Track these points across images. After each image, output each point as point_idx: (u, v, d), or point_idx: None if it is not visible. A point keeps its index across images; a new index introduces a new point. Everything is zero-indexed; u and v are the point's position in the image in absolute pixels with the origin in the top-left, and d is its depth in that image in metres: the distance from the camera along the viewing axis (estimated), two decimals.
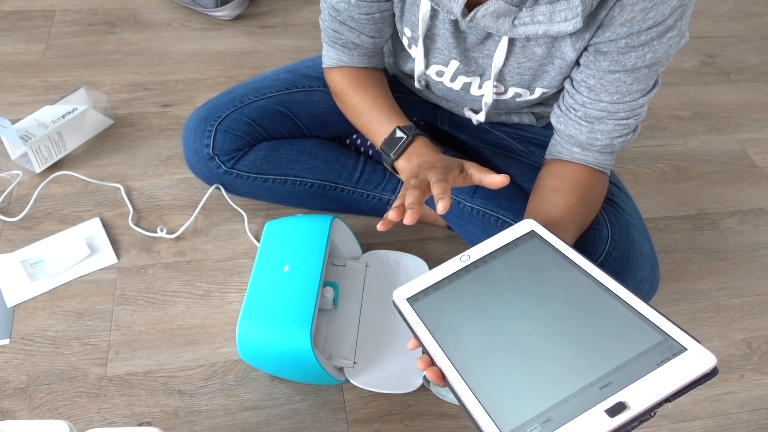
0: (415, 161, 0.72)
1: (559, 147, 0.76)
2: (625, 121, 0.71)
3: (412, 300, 0.58)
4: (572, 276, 0.55)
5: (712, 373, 0.41)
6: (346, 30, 0.77)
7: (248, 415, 0.78)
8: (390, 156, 0.75)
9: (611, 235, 0.77)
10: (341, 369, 0.80)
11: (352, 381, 0.78)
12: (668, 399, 0.41)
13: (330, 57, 0.83)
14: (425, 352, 0.52)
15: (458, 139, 0.99)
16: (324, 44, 0.83)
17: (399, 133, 0.75)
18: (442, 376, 0.49)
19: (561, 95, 0.75)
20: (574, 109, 0.72)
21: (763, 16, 1.61)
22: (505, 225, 0.85)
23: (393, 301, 0.59)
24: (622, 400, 0.41)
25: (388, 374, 0.79)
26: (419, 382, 0.79)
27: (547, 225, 0.61)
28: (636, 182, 1.13)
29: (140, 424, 0.76)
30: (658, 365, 0.43)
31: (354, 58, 0.82)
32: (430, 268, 0.91)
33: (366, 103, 0.81)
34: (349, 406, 0.79)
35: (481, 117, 0.82)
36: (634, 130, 0.73)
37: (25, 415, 0.76)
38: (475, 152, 0.97)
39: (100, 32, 1.34)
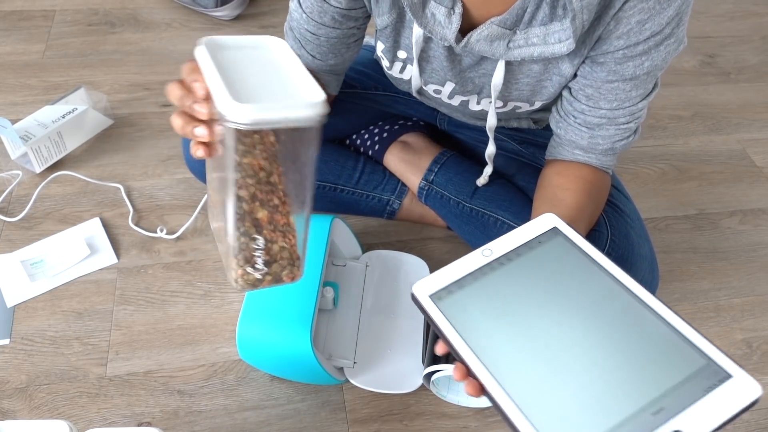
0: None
1: (560, 149, 0.76)
2: (625, 126, 0.71)
3: (435, 298, 0.54)
4: (604, 284, 0.52)
5: (755, 402, 0.40)
6: (292, 38, 0.76)
7: (248, 415, 0.78)
8: None
9: (610, 236, 0.77)
10: (341, 369, 0.80)
11: (352, 381, 0.78)
12: (719, 428, 0.39)
13: None
14: (458, 359, 0.49)
15: (458, 140, 0.99)
16: None
17: None
18: (480, 388, 0.46)
19: (558, 100, 0.74)
20: (573, 116, 0.72)
21: (763, 16, 1.61)
22: (504, 226, 0.85)
23: (414, 297, 0.55)
24: (678, 429, 0.39)
25: (388, 374, 0.79)
26: (419, 382, 0.79)
27: None
28: (636, 182, 1.13)
29: (140, 424, 0.76)
30: (706, 392, 0.41)
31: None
32: (430, 268, 0.91)
33: None
34: (349, 406, 0.80)
35: (491, 148, 0.81)
36: (634, 132, 0.73)
37: (25, 415, 0.76)
38: (475, 152, 0.97)
39: (100, 32, 1.34)
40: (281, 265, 0.57)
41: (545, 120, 0.91)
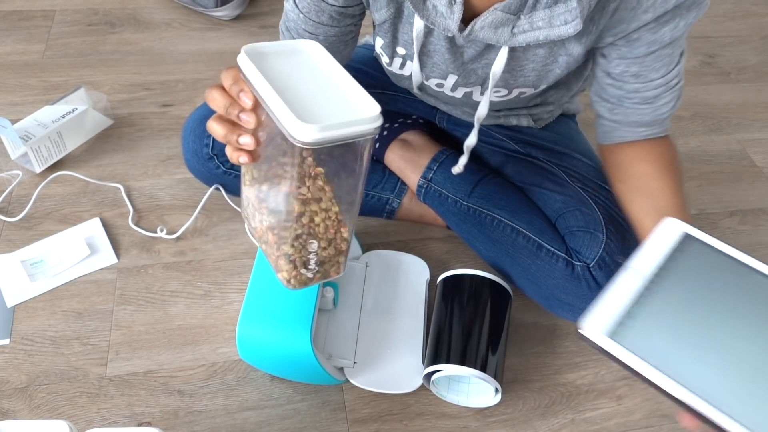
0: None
1: (620, 132, 0.75)
2: (676, 87, 0.71)
3: (614, 335, 0.50)
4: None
5: None
6: (288, 39, 0.76)
7: (248, 415, 0.78)
8: None
9: (606, 239, 0.77)
10: (341, 369, 0.80)
11: (352, 381, 0.79)
12: None
13: None
14: (680, 405, 0.45)
15: (457, 138, 0.99)
16: None
17: None
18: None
19: (597, 88, 0.74)
20: (628, 98, 0.72)
21: (763, 16, 1.61)
22: (501, 225, 0.85)
23: (587, 339, 0.51)
24: None
25: (388, 374, 0.79)
26: (419, 382, 0.79)
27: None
28: None
29: (140, 424, 0.76)
30: None
31: None
32: (430, 267, 0.91)
33: None
34: (349, 406, 0.80)
35: (472, 139, 0.81)
36: (681, 89, 0.73)
37: (25, 415, 0.76)
38: (473, 150, 0.97)
39: (100, 32, 1.34)
40: (331, 263, 0.60)
41: (544, 119, 0.91)
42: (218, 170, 0.90)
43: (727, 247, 0.53)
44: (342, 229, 0.58)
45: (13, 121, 1.00)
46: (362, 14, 0.74)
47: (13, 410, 0.76)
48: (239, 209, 0.98)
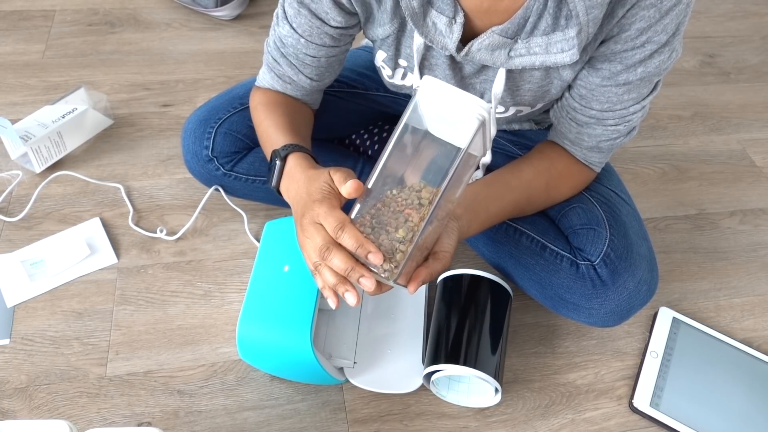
0: (294, 198, 0.67)
1: (553, 134, 0.80)
2: (613, 128, 0.72)
3: (654, 405, 0.79)
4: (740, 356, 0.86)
5: None
6: (286, 64, 0.75)
7: (248, 415, 0.78)
8: (270, 185, 0.73)
9: (609, 236, 0.77)
10: (341, 369, 0.80)
11: (352, 381, 0.78)
12: None
13: (264, 79, 0.80)
14: None
15: None
16: (263, 64, 0.80)
17: (274, 159, 0.71)
18: None
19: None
20: (566, 111, 0.74)
21: (763, 16, 1.61)
22: (503, 225, 0.85)
23: (638, 411, 0.79)
24: None
25: (388, 374, 0.79)
26: (419, 382, 0.79)
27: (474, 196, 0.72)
28: (636, 182, 1.13)
29: (140, 424, 0.76)
30: None
31: (287, 90, 0.79)
32: None
33: (271, 126, 0.76)
34: (349, 406, 0.80)
35: (486, 157, 0.82)
36: (627, 134, 0.74)
37: (25, 415, 0.76)
38: None
39: (100, 32, 1.34)
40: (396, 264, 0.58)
41: (547, 120, 0.90)
42: (218, 172, 0.90)
43: (706, 328, 0.87)
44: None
45: (13, 121, 1.00)
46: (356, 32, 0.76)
47: (13, 410, 0.76)
48: (239, 209, 0.98)
